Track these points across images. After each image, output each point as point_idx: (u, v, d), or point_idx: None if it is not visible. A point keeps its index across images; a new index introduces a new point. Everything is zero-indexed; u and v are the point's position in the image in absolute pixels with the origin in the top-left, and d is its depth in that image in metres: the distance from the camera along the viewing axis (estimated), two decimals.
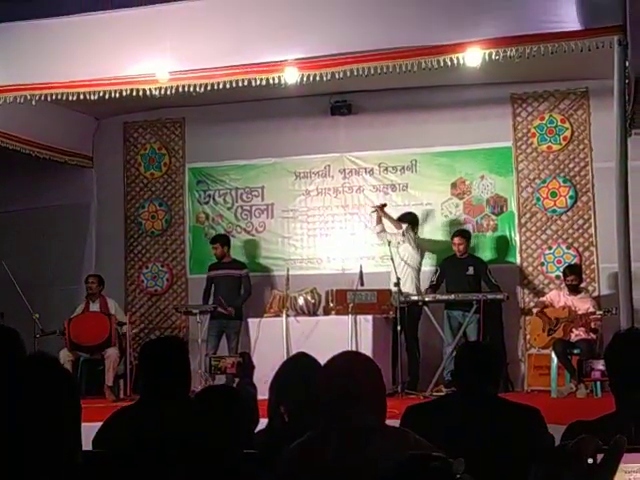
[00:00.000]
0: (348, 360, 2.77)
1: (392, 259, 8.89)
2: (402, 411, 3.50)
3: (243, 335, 9.30)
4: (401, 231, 9.21)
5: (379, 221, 9.46)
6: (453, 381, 3.65)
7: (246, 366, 4.45)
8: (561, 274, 9.03)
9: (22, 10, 7.88)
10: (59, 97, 8.00)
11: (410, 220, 9.39)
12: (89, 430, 3.50)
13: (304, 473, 2.50)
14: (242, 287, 9.64)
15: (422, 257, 9.38)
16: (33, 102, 8.09)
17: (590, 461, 1.04)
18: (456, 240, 9.20)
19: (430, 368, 8.85)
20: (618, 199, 6.81)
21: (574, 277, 8.71)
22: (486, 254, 9.55)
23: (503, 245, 9.75)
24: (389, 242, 9.11)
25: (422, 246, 9.44)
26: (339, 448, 2.51)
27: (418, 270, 9.27)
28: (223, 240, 9.81)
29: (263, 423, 3.48)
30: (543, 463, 1.04)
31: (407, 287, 9.03)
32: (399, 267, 8.93)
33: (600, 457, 1.05)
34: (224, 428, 2.44)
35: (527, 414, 3.34)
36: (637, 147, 8.12)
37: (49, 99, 8.13)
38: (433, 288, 9.23)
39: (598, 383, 7.92)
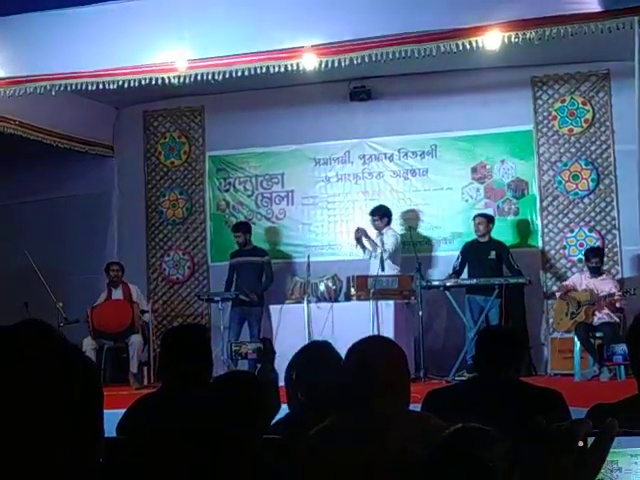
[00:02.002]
0: (372, 345, 2.77)
1: (413, 244, 8.86)
2: (424, 396, 3.50)
3: (265, 322, 9.33)
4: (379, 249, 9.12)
5: (359, 242, 9.36)
6: (474, 366, 3.65)
7: (267, 352, 4.47)
8: (583, 257, 8.98)
9: (40, 0, 7.90)
10: (79, 87, 8.02)
11: (385, 214, 9.33)
12: (113, 417, 3.55)
13: (325, 459, 2.51)
14: (264, 274, 9.67)
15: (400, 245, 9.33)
16: (53, 92, 8.12)
17: (581, 444, 1.02)
18: (477, 220, 9.16)
19: (453, 353, 8.85)
20: None
21: (597, 260, 8.66)
22: (508, 238, 9.50)
23: (525, 229, 9.70)
24: (370, 254, 9.10)
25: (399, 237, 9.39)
26: (360, 433, 2.51)
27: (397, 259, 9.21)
28: (245, 228, 9.83)
29: (285, 409, 3.50)
30: (534, 444, 1.04)
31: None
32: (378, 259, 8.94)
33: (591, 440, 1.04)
34: (242, 413, 2.45)
35: (549, 397, 3.34)
36: None
37: (69, 89, 8.17)
38: (457, 274, 9.19)
39: (622, 367, 7.88)
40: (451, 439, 1.73)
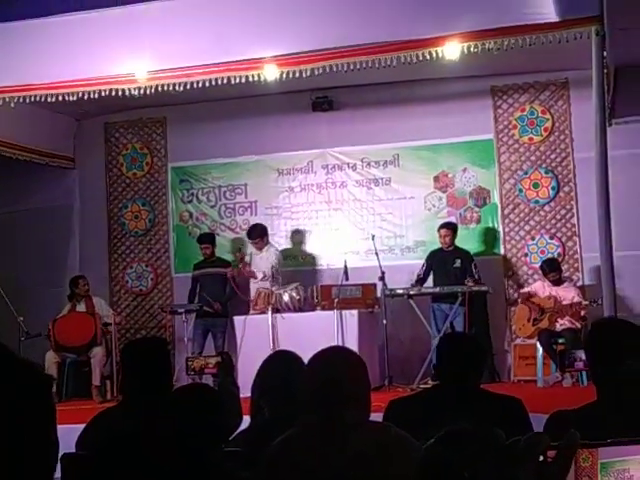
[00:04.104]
0: (332, 355, 2.76)
1: (377, 253, 8.92)
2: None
3: (229, 333, 9.29)
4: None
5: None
6: (435, 372, 3.66)
7: (226, 365, 4.44)
8: (540, 270, 9.04)
9: None
10: (38, 99, 7.96)
11: (263, 233, 9.47)
12: (77, 432, 3.50)
13: (287, 470, 2.51)
14: (227, 285, 9.63)
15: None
16: (12, 104, 8.04)
17: (540, 458, 1.00)
18: (442, 232, 9.21)
19: (418, 361, 8.87)
20: (599, 189, 6.84)
21: (555, 273, 8.75)
22: (471, 246, 9.56)
23: (487, 237, 9.78)
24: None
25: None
26: (322, 444, 2.51)
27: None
28: (211, 239, 9.80)
29: (247, 422, 3.48)
30: (493, 461, 1.01)
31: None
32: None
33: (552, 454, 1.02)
34: (201, 425, 2.44)
35: (509, 405, 3.36)
36: (617, 137, 8.18)
37: (28, 101, 8.09)
38: (420, 282, 9.23)
39: (584, 372, 7.95)
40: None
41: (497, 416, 3.05)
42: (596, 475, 1.05)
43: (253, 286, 9.30)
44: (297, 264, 10.16)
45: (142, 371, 3.35)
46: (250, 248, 9.61)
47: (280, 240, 10.22)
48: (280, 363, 3.40)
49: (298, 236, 10.25)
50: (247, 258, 9.48)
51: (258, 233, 9.45)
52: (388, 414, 3.36)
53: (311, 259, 10.16)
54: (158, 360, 3.43)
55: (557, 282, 8.76)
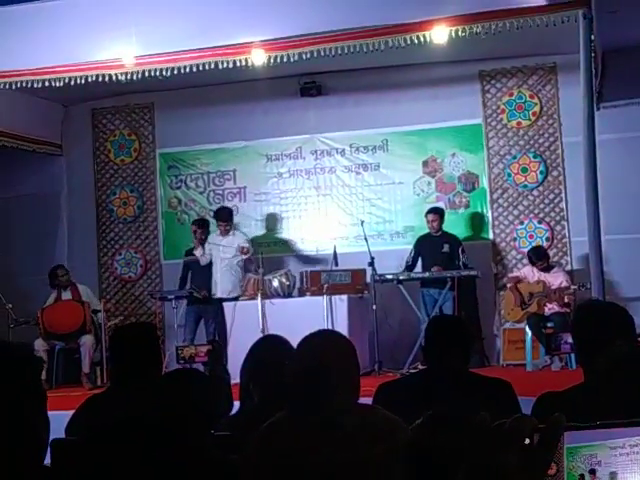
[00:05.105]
0: (320, 339, 2.75)
1: (366, 239, 8.92)
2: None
3: (220, 319, 9.28)
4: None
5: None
6: (423, 354, 3.66)
7: (216, 353, 4.45)
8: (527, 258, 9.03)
9: None
10: (24, 85, 7.91)
11: (231, 216, 9.47)
12: (67, 419, 3.50)
13: (275, 453, 2.51)
14: None
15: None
16: None
17: (527, 441, 0.96)
18: (430, 217, 9.21)
19: (407, 346, 8.89)
20: (587, 173, 6.85)
21: (542, 262, 8.75)
22: (459, 231, 9.57)
23: (476, 222, 9.79)
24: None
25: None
26: (310, 426, 2.51)
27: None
28: (206, 224, 9.69)
29: (237, 407, 3.48)
30: (477, 445, 0.98)
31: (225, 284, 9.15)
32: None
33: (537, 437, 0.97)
34: (189, 409, 2.44)
35: (497, 387, 3.37)
36: (605, 121, 8.19)
37: (13, 87, 8.03)
38: (409, 269, 9.23)
39: (572, 355, 7.99)
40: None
41: (486, 398, 3.06)
42: (562, 460, 1.03)
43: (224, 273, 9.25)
44: (286, 250, 10.15)
45: (131, 356, 3.35)
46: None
47: (269, 226, 10.21)
48: (268, 347, 3.40)
49: (287, 222, 10.24)
50: (207, 247, 9.38)
51: (228, 216, 9.42)
52: (377, 398, 3.37)
53: (300, 245, 10.15)
54: (147, 345, 3.43)
55: (546, 269, 8.77)
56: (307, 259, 9.93)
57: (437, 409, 1.78)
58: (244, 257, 9.20)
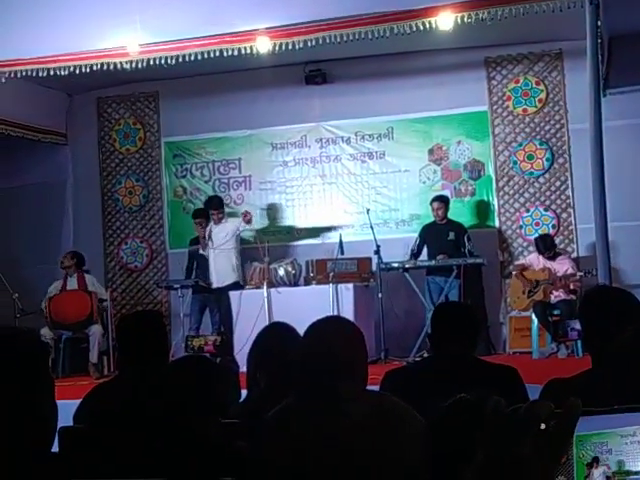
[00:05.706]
0: (327, 325, 2.74)
1: (372, 227, 8.91)
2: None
3: (225, 308, 9.28)
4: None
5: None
6: (429, 341, 3.65)
7: (225, 344, 4.45)
8: (534, 246, 9.00)
9: None
10: (29, 74, 7.89)
11: (222, 204, 9.46)
12: (74, 407, 3.50)
13: (283, 440, 2.51)
14: None
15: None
16: (2, 80, 7.97)
17: (542, 427, 0.93)
18: (435, 205, 9.19)
19: (413, 334, 8.89)
20: (593, 160, 6.81)
21: (549, 251, 8.72)
22: (465, 219, 9.55)
23: (482, 209, 9.77)
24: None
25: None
26: (317, 412, 2.51)
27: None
28: (206, 214, 9.69)
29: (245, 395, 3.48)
30: (491, 430, 0.95)
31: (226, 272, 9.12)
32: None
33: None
34: (197, 396, 2.44)
35: (504, 373, 3.36)
36: (611, 107, 8.15)
37: (19, 76, 8.02)
38: (414, 257, 9.22)
39: (579, 343, 7.98)
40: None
41: (492, 385, 3.05)
42: (571, 448, 1.01)
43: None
44: (292, 239, 10.14)
45: (138, 343, 3.35)
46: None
47: (275, 215, 10.20)
48: (275, 334, 3.39)
49: (292, 210, 10.22)
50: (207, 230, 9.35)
51: (219, 203, 9.42)
52: (384, 385, 3.36)
53: (306, 233, 10.14)
54: (154, 332, 3.43)
55: (552, 257, 8.75)
56: (313, 247, 9.92)
57: (460, 396, 1.77)
58: (247, 226, 9.18)
